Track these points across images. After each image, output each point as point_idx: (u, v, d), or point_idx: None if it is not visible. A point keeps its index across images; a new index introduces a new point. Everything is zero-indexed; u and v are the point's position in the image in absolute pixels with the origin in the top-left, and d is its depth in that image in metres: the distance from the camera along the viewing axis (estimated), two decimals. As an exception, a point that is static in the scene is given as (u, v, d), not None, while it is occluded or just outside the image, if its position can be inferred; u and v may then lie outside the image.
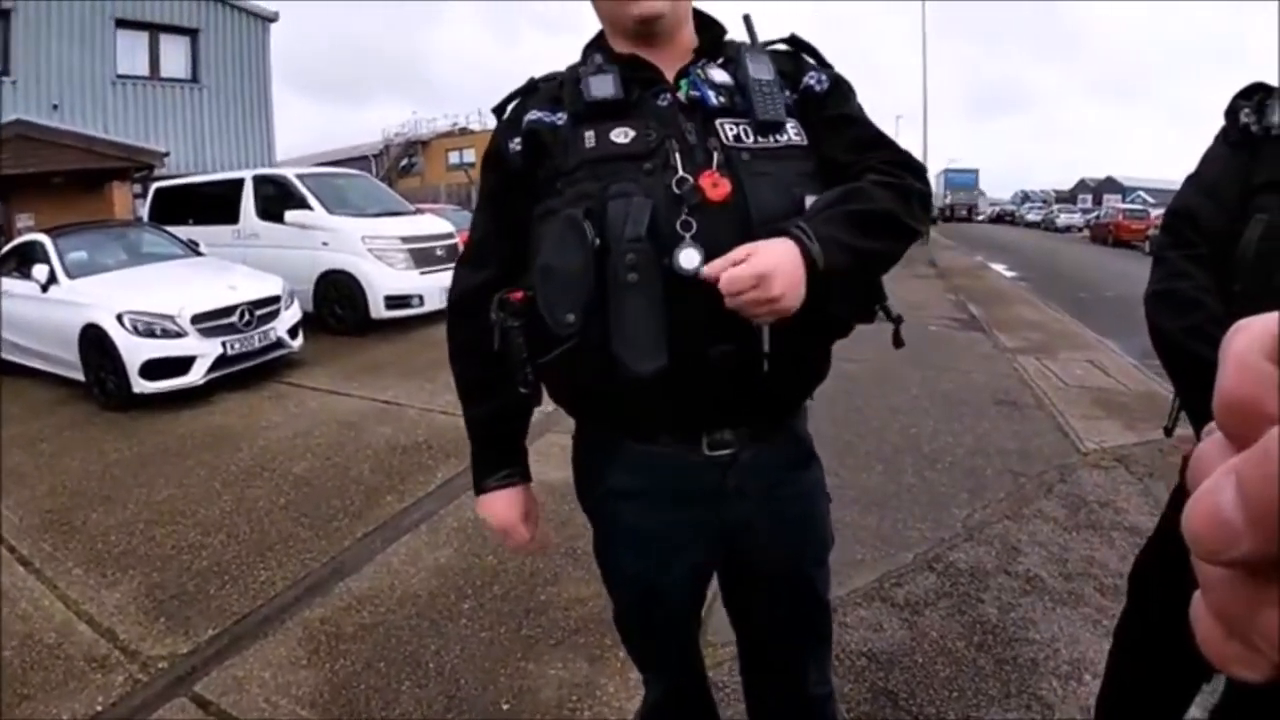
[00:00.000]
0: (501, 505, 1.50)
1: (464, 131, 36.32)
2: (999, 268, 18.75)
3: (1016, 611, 2.97)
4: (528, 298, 1.27)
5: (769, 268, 1.08)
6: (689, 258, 1.14)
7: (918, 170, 1.32)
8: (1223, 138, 1.65)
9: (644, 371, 1.17)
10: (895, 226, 1.23)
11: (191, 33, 17.56)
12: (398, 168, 35.14)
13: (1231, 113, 1.62)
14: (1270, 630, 0.24)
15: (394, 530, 3.91)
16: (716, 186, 1.18)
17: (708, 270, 1.11)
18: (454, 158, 34.86)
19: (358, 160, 30.67)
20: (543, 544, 1.62)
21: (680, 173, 1.19)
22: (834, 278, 1.15)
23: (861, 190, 1.22)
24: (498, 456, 1.51)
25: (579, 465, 1.51)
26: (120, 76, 16.26)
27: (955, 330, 9.00)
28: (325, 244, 9.17)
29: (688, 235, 1.16)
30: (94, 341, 6.54)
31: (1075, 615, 2.93)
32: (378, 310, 8.98)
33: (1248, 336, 0.26)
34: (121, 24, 16.17)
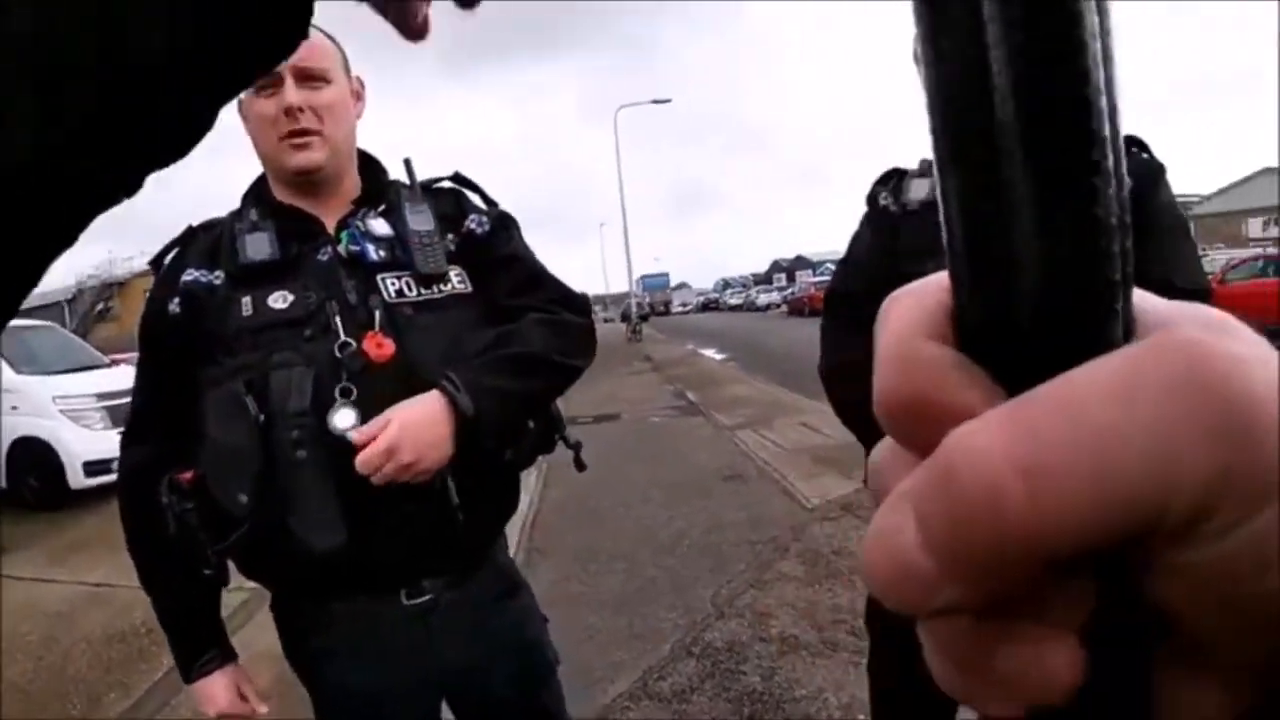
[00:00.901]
0: (213, 690, 1.39)
1: (166, 268, 34.02)
2: (710, 352, 20.01)
3: (780, 674, 3.05)
4: (198, 476, 1.20)
5: (395, 439, 1.09)
6: (344, 418, 1.13)
7: (579, 305, 1.38)
8: (866, 221, 1.86)
9: (324, 548, 1.14)
10: (549, 366, 1.27)
11: None
12: (93, 314, 32.10)
13: (872, 198, 1.84)
14: (1013, 675, 0.18)
15: (124, 732, 3.40)
16: (380, 347, 1.18)
17: (356, 438, 1.11)
18: (156, 298, 32.44)
19: (48, 308, 27.65)
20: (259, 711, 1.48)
21: (342, 336, 1.17)
22: (488, 424, 1.18)
23: (516, 333, 1.26)
24: (196, 642, 1.40)
25: (282, 629, 1.41)
26: None
27: (676, 418, 9.42)
28: (15, 408, 8.23)
29: (348, 400, 1.15)
30: None
31: (834, 662, 3.06)
32: (77, 479, 8.02)
33: (902, 313, 0.21)
34: None
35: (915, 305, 0.21)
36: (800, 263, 79.62)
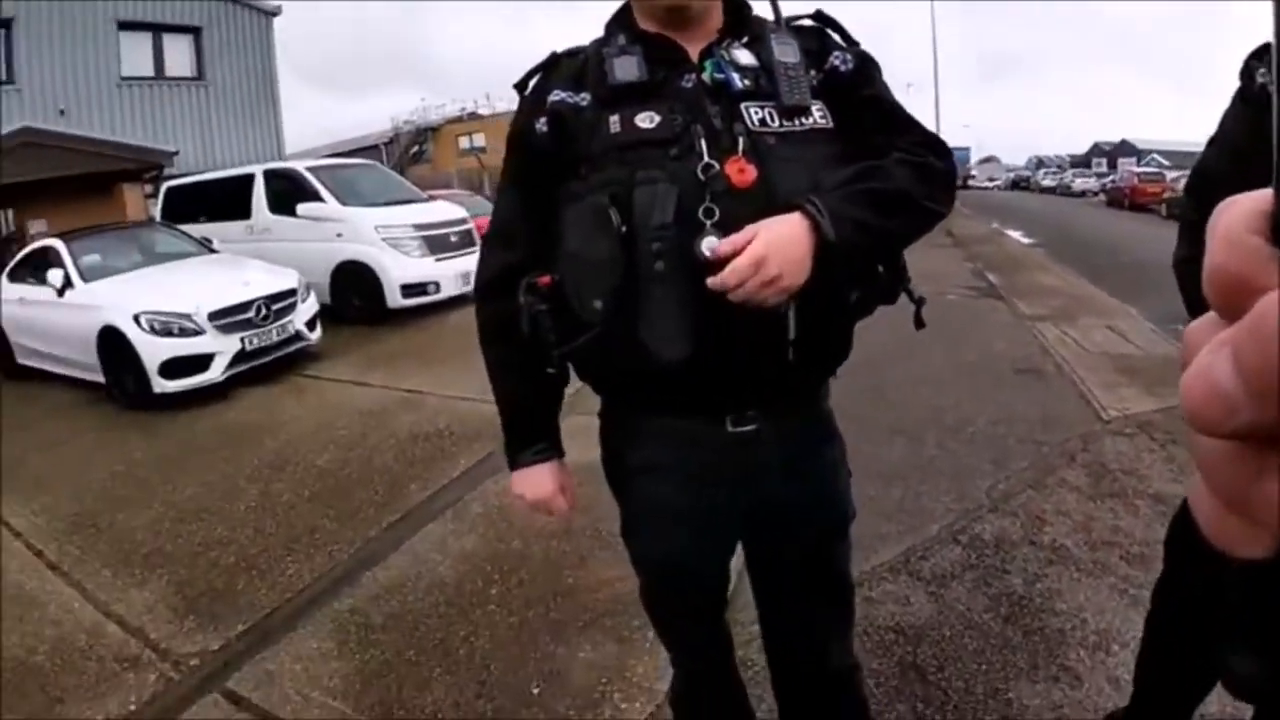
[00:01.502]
0: (536, 480, 1.52)
1: (473, 116, 36.32)
2: (1015, 234, 18.62)
3: (1043, 582, 2.95)
4: (555, 283, 1.28)
5: (763, 252, 1.09)
6: (711, 245, 1.14)
7: (942, 150, 1.31)
8: (1239, 97, 1.63)
9: (670, 359, 1.18)
10: (911, 206, 1.23)
11: (194, 31, 17.57)
12: (408, 156, 35.12)
13: (1247, 73, 1.61)
14: (1272, 498, 0.24)
15: (419, 519, 3.93)
16: (742, 173, 1.18)
17: (719, 249, 1.12)
18: (464, 143, 34.89)
19: (368, 150, 30.70)
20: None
21: (706, 159, 1.19)
22: (847, 253, 1.15)
23: (881, 169, 1.21)
24: (530, 433, 1.52)
25: (606, 442, 1.52)
26: (125, 78, 16.30)
27: (974, 299, 8.94)
28: (339, 235, 9.18)
29: (710, 222, 1.16)
30: (112, 343, 6.59)
31: (1101, 585, 2.91)
32: (394, 299, 9.00)
33: (1234, 212, 0.27)
34: (124, 26, 16.20)
35: (1245, 206, 0.26)
36: (1124, 148, 70.93)
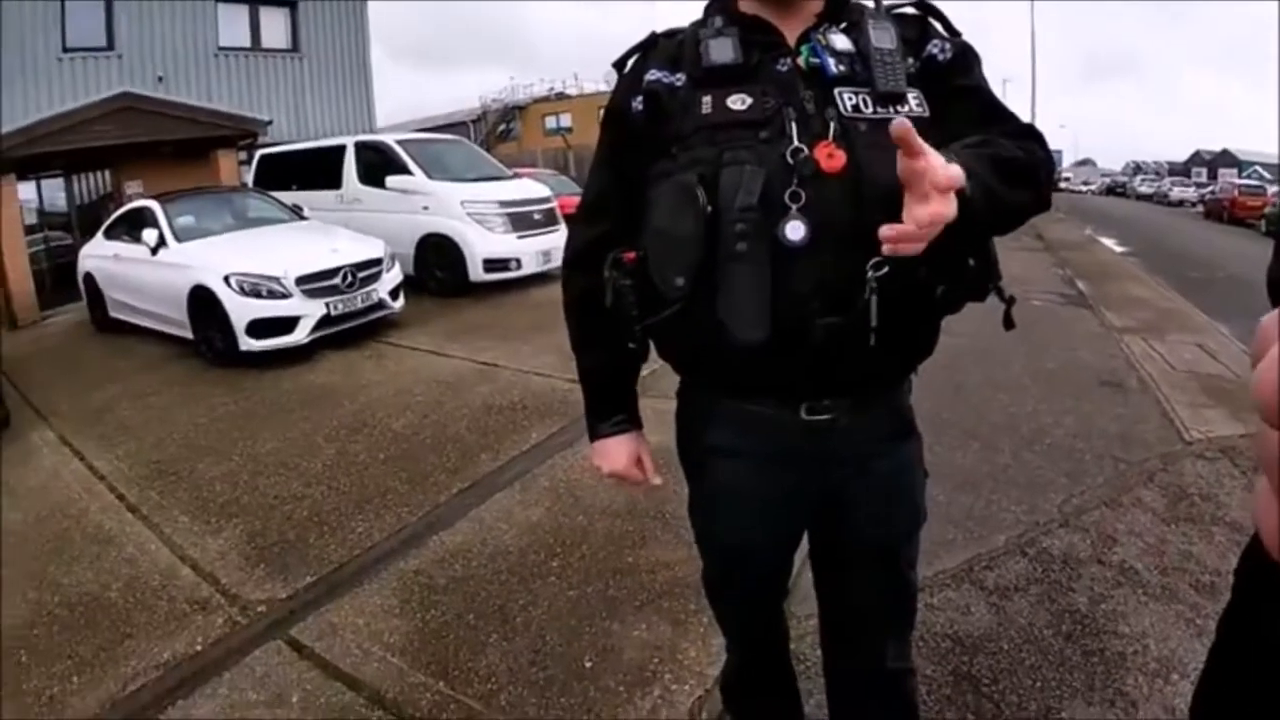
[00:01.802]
0: (615, 451, 1.56)
1: (560, 96, 36.55)
2: (1108, 241, 18.06)
3: (1107, 603, 2.88)
4: (639, 258, 1.30)
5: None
6: (795, 229, 1.15)
7: (1042, 142, 1.28)
8: None
9: (747, 339, 1.19)
10: (1029, 180, 1.18)
11: (290, 4, 17.94)
12: (495, 133, 35.46)
13: None
14: None
15: (488, 488, 4.00)
16: (831, 158, 1.17)
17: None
18: (550, 123, 35.07)
19: (456, 126, 31.06)
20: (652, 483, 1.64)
21: (795, 142, 1.19)
22: (972, 216, 1.04)
23: (999, 143, 1.18)
24: (610, 404, 1.56)
25: (681, 420, 1.54)
26: (222, 48, 16.70)
27: (1060, 306, 8.70)
28: (425, 208, 9.33)
29: (795, 207, 1.16)
30: (202, 302, 6.83)
31: (1168, 611, 2.82)
32: (476, 273, 9.12)
33: None
34: (222, -1, 16.63)
35: None
36: (1225, 158, 68.05)
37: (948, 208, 0.96)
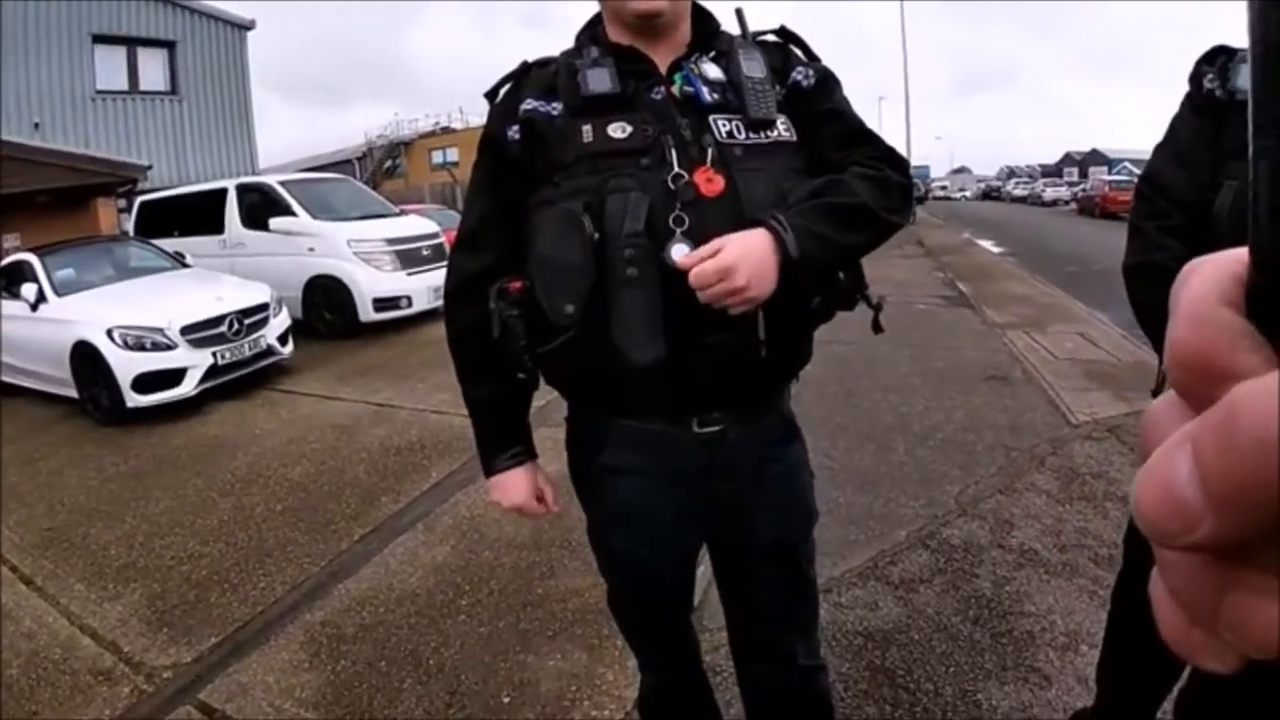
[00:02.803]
0: (513, 484, 1.54)
1: (446, 130, 36.38)
2: (986, 243, 18.84)
3: (1011, 585, 2.99)
4: (526, 288, 1.30)
5: (733, 261, 1.12)
6: (680, 252, 1.17)
7: (899, 164, 1.36)
8: (1188, 103, 1.66)
9: (643, 361, 1.20)
10: (870, 219, 1.26)
11: (169, 45, 17.51)
12: (381, 170, 35.16)
13: (1195, 78, 1.63)
14: (1238, 619, 0.21)
15: (390, 531, 3.92)
16: (711, 182, 1.22)
17: (683, 261, 1.15)
18: (437, 157, 34.93)
19: (341, 164, 30.71)
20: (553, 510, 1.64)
21: (675, 169, 1.22)
22: (809, 267, 1.19)
23: (840, 182, 1.25)
24: (504, 436, 1.55)
25: (573, 445, 1.54)
26: (100, 92, 16.21)
27: (944, 308, 9.04)
28: (311, 250, 9.15)
29: (679, 230, 1.20)
30: (85, 358, 6.52)
31: (1070, 586, 2.95)
32: (366, 313, 8.99)
33: (1202, 279, 0.23)
34: (99, 39, 16.13)
35: (1214, 272, 0.23)
36: (1095, 157, 72.20)
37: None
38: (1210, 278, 0.23)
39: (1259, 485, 0.19)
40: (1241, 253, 0.23)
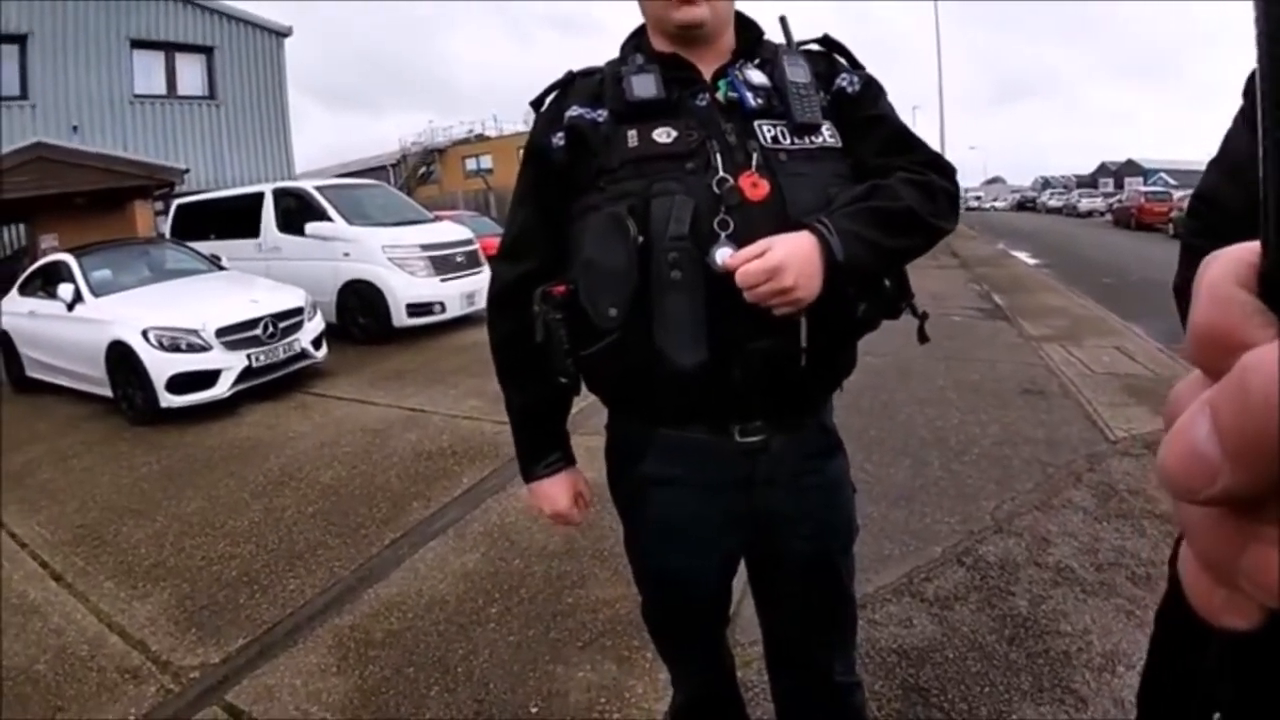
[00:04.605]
0: (552, 491, 1.54)
1: (480, 138, 36.70)
2: (1022, 255, 18.64)
3: (1048, 604, 2.93)
4: (569, 291, 1.30)
5: (781, 261, 1.11)
6: (724, 255, 1.17)
7: (946, 170, 1.35)
8: (1241, 118, 1.62)
9: (686, 364, 1.20)
10: (917, 224, 1.25)
11: (207, 50, 17.77)
12: (415, 176, 35.46)
13: (1248, 91, 1.59)
14: (1256, 569, 0.23)
15: (421, 536, 3.92)
16: (756, 187, 1.22)
17: (729, 262, 1.14)
18: (471, 164, 35.20)
19: (376, 170, 31.04)
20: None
21: (721, 173, 1.22)
22: (854, 271, 1.18)
23: (887, 187, 1.24)
24: (544, 443, 1.55)
25: (612, 454, 1.52)
26: (138, 96, 16.46)
27: (979, 320, 8.93)
28: (346, 254, 9.23)
29: (724, 234, 1.19)
30: (121, 358, 6.61)
31: (1108, 606, 2.88)
32: (400, 318, 9.05)
33: (1221, 265, 0.26)
34: (137, 44, 16.39)
35: (1231, 260, 0.26)
36: (1130, 168, 71.29)
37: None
38: (1228, 264, 0.26)
39: (1269, 438, 0.21)
40: (1255, 245, 0.25)
